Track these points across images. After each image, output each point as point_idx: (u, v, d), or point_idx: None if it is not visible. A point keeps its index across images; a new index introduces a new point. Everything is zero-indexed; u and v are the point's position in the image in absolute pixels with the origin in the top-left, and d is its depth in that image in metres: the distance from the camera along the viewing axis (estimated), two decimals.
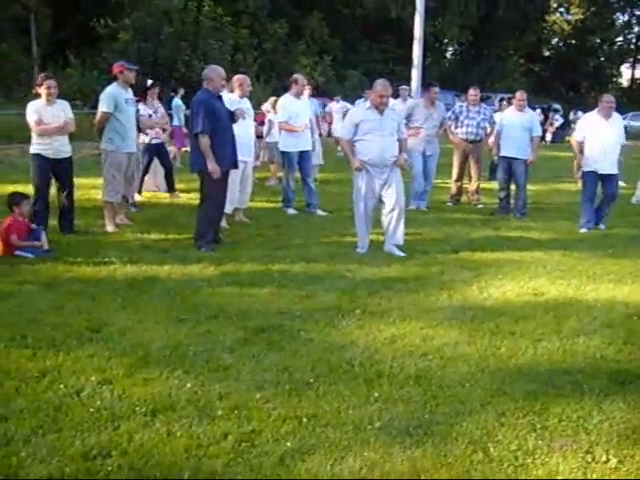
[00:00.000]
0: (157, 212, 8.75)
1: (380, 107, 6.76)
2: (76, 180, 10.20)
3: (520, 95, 9.78)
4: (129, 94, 7.63)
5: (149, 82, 9.91)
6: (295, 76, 9.36)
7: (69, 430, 3.18)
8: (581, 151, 8.71)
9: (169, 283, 5.67)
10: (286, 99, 9.10)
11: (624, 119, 39.96)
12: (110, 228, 7.58)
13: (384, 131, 6.77)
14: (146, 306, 5.05)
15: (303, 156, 9.12)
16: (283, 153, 9.18)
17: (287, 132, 9.05)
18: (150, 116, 9.54)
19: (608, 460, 3.14)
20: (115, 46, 23.62)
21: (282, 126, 9.09)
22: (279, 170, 11.97)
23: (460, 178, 10.58)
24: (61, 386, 3.62)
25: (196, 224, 7.05)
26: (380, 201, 6.98)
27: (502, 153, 9.79)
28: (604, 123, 8.49)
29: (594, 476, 3.02)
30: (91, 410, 3.37)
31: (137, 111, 8.13)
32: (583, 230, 8.65)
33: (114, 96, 7.41)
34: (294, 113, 8.95)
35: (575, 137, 8.89)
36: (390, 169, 6.85)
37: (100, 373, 3.80)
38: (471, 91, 10.37)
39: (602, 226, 8.78)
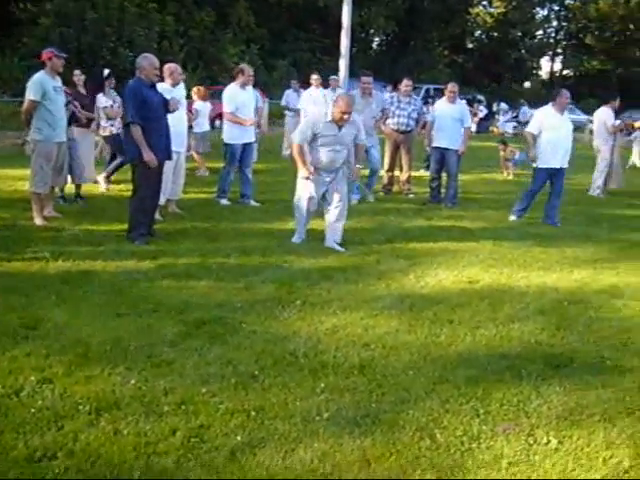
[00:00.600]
0: (87, 204, 8.50)
1: (340, 123, 6.67)
2: (1, 172, 9.90)
3: (451, 87, 9.94)
4: (58, 82, 7.38)
5: (106, 72, 9.69)
6: (241, 66, 9.16)
7: (10, 432, 3.07)
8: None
9: (104, 277, 5.53)
10: (232, 89, 8.88)
11: None
12: (38, 221, 7.29)
13: (339, 146, 6.73)
14: (82, 301, 4.91)
15: (245, 148, 8.98)
16: (227, 145, 8.97)
17: (232, 124, 8.85)
18: (111, 106, 9.39)
19: (549, 441, 3.27)
20: (36, 31, 22.76)
21: (229, 118, 8.85)
22: (204, 160, 11.81)
23: (392, 168, 10.72)
24: None
25: (129, 216, 6.89)
26: (323, 197, 6.97)
27: (435, 144, 9.95)
28: (559, 117, 8.56)
29: (537, 457, 3.13)
30: (32, 410, 3.26)
31: (67, 102, 7.86)
32: (513, 218, 8.85)
33: (42, 84, 7.13)
34: (241, 103, 8.76)
35: (530, 130, 8.76)
36: (337, 170, 6.88)
37: (39, 372, 3.68)
38: (405, 82, 10.44)
39: (559, 223, 8.68)
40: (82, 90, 9.07)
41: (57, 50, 7.42)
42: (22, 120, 7.52)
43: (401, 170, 10.79)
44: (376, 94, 10.01)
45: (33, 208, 7.36)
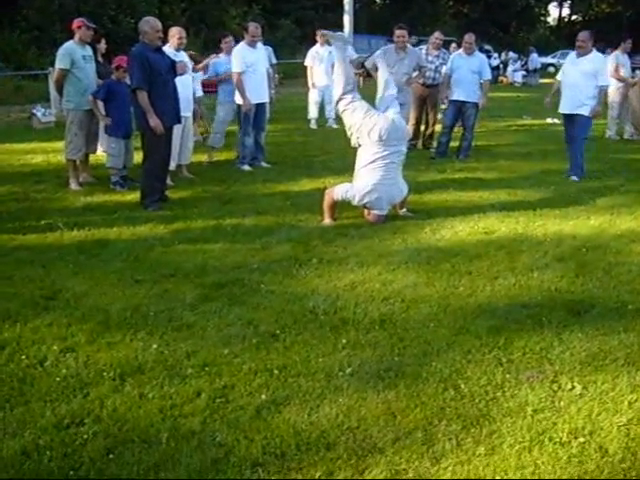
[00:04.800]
0: (98, 173, 8.46)
1: None
2: (9, 146, 9.89)
3: (467, 38, 9.68)
4: (88, 51, 7.56)
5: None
6: (247, 24, 8.96)
7: (37, 401, 3.10)
8: None
9: (120, 244, 5.53)
10: (241, 48, 8.64)
11: (553, 58, 39.99)
12: (74, 186, 7.56)
13: None
14: (99, 269, 4.92)
15: (258, 109, 8.77)
16: (239, 105, 8.79)
17: (244, 82, 8.45)
18: None
19: (573, 387, 3.26)
20: (35, 3, 22.48)
21: (236, 79, 8.41)
22: (206, 123, 11.59)
23: (418, 122, 10.46)
24: (23, 357, 3.51)
25: (141, 184, 6.88)
26: None
27: (452, 97, 9.74)
28: None
29: (562, 403, 3.12)
30: (57, 379, 3.29)
31: (98, 70, 7.87)
32: None
33: (70, 53, 7.32)
34: (250, 63, 8.52)
35: None
36: None
37: (61, 341, 3.70)
38: (436, 34, 10.49)
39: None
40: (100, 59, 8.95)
41: (87, 20, 7.56)
42: (55, 89, 7.78)
43: (426, 125, 10.65)
44: (412, 50, 9.62)
45: (69, 174, 7.62)
